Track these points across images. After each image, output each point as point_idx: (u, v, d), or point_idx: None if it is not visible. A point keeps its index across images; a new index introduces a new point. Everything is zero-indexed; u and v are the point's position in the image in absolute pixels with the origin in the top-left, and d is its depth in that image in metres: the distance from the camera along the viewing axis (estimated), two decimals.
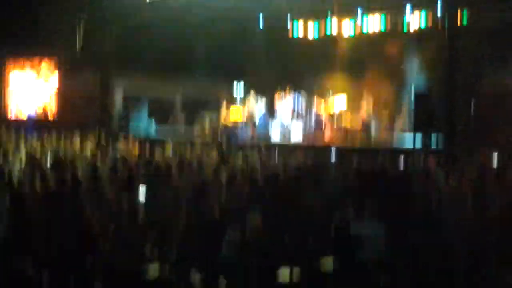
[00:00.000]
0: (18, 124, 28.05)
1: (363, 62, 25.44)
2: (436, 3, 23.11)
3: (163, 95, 28.60)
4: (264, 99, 25.05)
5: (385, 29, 25.49)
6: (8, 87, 32.24)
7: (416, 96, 21.26)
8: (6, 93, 32.34)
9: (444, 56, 21.04)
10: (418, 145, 19.64)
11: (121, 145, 17.92)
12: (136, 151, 17.17)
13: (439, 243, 8.78)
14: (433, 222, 9.29)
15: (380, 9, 25.50)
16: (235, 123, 24.80)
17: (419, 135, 20.39)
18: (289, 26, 27.86)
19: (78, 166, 12.48)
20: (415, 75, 23.97)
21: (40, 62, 31.12)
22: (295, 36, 27.74)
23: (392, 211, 9.24)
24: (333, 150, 18.29)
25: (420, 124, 20.57)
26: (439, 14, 23.21)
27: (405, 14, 24.68)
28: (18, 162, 14.61)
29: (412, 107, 21.32)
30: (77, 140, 17.73)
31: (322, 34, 27.03)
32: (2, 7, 29.97)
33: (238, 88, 27.04)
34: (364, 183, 11.55)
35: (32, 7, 29.39)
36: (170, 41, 27.37)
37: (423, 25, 24.40)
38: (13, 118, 31.59)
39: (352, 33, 26.13)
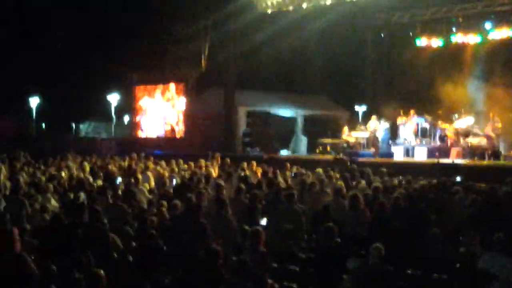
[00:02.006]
0: (148, 145, 29.29)
1: (489, 77, 24.57)
2: None
3: (284, 114, 28.88)
4: (386, 119, 24.52)
5: None
6: (139, 111, 33.72)
7: None
8: (137, 116, 33.84)
9: None
10: None
11: (245, 166, 18.18)
12: (259, 172, 17.35)
13: None
14: None
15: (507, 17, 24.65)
16: (358, 143, 24.50)
17: None
18: (412, 43, 27.46)
19: (203, 190, 12.73)
20: None
21: (167, 85, 32.34)
22: (417, 52, 27.34)
23: None
24: (458, 169, 17.84)
25: None
26: None
27: None
28: (147, 183, 15.25)
29: None
30: (202, 162, 18.16)
31: (446, 51, 26.45)
32: (131, 38, 31.55)
33: (360, 108, 26.76)
34: (491, 207, 11.04)
35: (158, 35, 30.62)
36: (290, 59, 27.63)
37: None
38: (143, 139, 32.96)
39: (478, 49, 25.46)
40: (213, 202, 11.23)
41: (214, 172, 17.26)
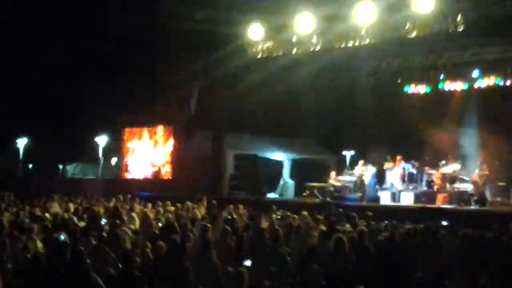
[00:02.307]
0: (134, 186, 29.18)
1: (476, 124, 24.84)
2: None
3: (273, 156, 28.91)
4: (373, 164, 24.56)
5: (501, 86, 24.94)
6: (127, 152, 33.72)
7: None
8: (125, 157, 33.82)
9: None
10: None
11: (231, 208, 18.16)
12: (245, 215, 17.32)
13: None
14: None
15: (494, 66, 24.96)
16: (345, 187, 24.54)
17: None
18: (400, 89, 27.76)
19: (188, 232, 12.68)
20: None
21: (155, 128, 32.46)
22: (406, 98, 27.65)
23: None
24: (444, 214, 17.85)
25: None
26: None
27: None
28: (132, 224, 15.19)
29: None
30: (189, 205, 18.12)
31: (434, 98, 26.77)
32: (121, 81, 31.73)
33: (348, 153, 26.86)
34: (477, 252, 11.05)
35: (148, 79, 30.82)
36: (279, 103, 27.76)
37: None
38: (130, 180, 32.86)
39: (464, 96, 25.79)
40: (198, 243, 11.18)
41: (200, 214, 17.19)
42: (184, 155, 30.07)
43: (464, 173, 22.96)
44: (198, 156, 28.94)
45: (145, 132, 33.05)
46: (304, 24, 22.31)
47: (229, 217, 16.37)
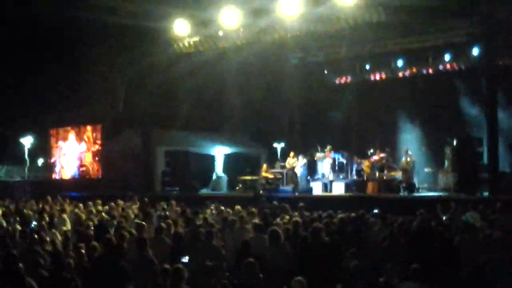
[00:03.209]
0: (63, 187, 28.58)
1: (401, 111, 25.48)
2: (473, 47, 23.18)
3: (204, 151, 28.82)
4: (304, 156, 24.82)
5: (424, 74, 25.66)
6: (54, 153, 32.99)
7: (458, 141, 21.11)
8: (52, 158, 33.07)
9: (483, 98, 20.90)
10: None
11: (164, 205, 18.03)
12: (178, 211, 17.22)
13: None
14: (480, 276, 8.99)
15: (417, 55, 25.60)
16: (276, 179, 24.72)
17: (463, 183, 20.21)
18: (327, 80, 28.13)
19: (123, 231, 12.51)
20: (456, 120, 23.91)
21: (82, 127, 31.85)
22: (333, 89, 28.09)
23: (437, 271, 8.95)
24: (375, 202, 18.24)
25: (463, 171, 20.32)
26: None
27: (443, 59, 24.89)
28: (63, 226, 14.87)
29: (455, 152, 21.18)
30: (121, 204, 17.88)
31: (360, 88, 27.30)
32: (45, 80, 30.86)
33: (279, 145, 27.09)
34: (406, 239, 11.36)
35: (72, 77, 30.11)
36: (207, 97, 27.67)
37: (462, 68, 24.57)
38: (58, 180, 32.18)
39: (390, 85, 26.39)
40: (133, 242, 11.04)
41: (133, 212, 16.99)
42: (112, 154, 29.59)
43: (392, 160, 23.50)
44: (127, 154, 28.54)
45: (72, 131, 32.41)
46: (229, 19, 22.24)
47: (163, 214, 16.27)
